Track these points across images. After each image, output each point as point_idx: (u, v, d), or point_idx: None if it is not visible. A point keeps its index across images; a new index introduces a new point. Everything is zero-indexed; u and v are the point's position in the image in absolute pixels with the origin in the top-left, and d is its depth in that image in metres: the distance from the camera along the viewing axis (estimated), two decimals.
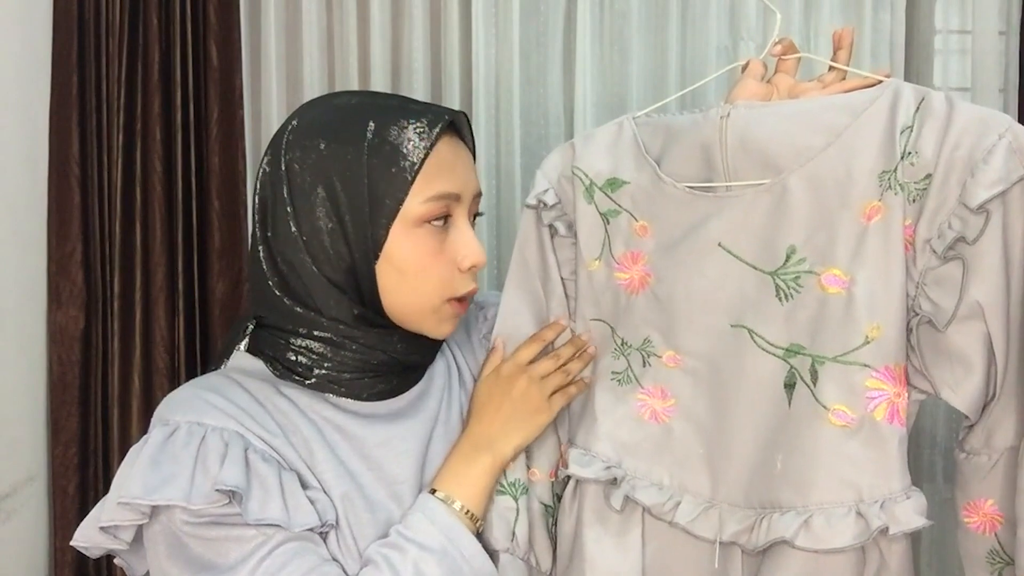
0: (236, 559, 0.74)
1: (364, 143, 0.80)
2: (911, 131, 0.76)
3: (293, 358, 0.84)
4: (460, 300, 0.86)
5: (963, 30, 1.59)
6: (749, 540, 0.80)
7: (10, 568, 1.45)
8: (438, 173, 0.82)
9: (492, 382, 0.92)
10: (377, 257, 0.82)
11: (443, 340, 0.93)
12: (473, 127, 1.57)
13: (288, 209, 0.82)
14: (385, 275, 0.82)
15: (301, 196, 0.81)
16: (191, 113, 1.51)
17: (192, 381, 0.86)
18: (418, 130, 0.81)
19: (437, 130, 0.82)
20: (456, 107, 1.56)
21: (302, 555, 0.76)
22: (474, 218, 0.89)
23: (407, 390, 0.89)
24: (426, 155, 0.81)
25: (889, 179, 0.77)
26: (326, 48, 1.59)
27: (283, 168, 0.82)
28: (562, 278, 0.95)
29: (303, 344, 0.84)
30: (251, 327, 0.88)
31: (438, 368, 0.94)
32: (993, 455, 0.77)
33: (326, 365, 0.84)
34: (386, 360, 0.85)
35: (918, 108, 0.77)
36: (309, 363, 0.84)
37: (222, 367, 0.89)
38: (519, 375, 0.91)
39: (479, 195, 0.89)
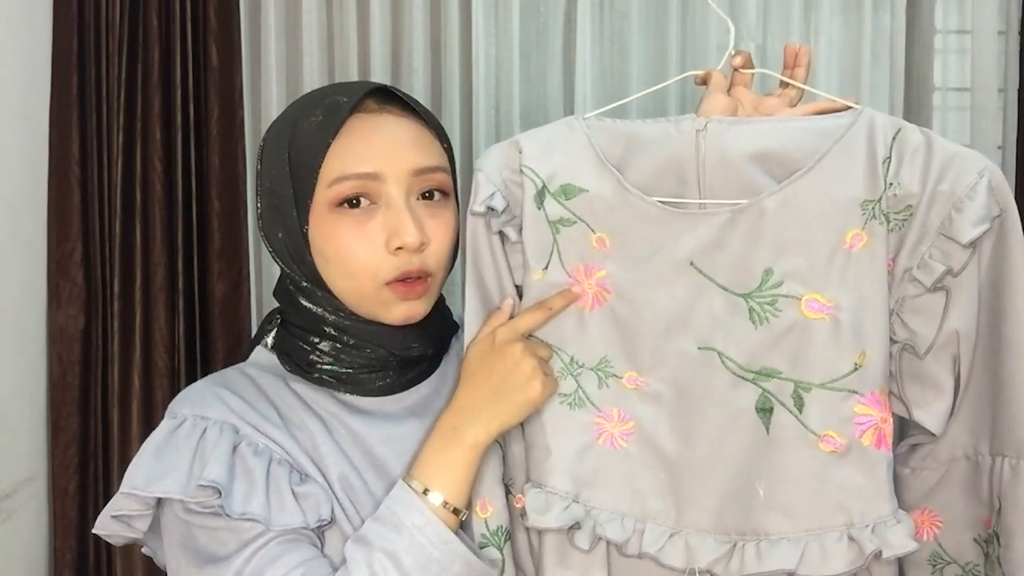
0: (232, 548, 0.76)
1: (287, 142, 0.83)
2: (890, 161, 0.77)
3: (302, 354, 0.86)
4: (405, 283, 0.82)
5: (963, 30, 1.59)
6: (728, 568, 0.79)
7: (10, 568, 1.45)
8: (344, 154, 0.81)
9: (485, 347, 0.83)
10: (308, 248, 0.83)
11: (452, 332, 0.94)
12: (473, 127, 1.60)
13: (258, 215, 0.88)
14: (319, 265, 0.83)
15: (261, 202, 0.87)
16: (191, 113, 1.51)
17: (208, 376, 0.90)
18: (322, 115, 0.81)
19: (342, 113, 0.81)
20: (456, 107, 1.57)
21: (296, 548, 0.77)
22: (432, 196, 0.84)
23: (414, 385, 0.89)
24: (330, 141, 0.80)
25: (873, 208, 0.77)
26: (326, 48, 1.59)
27: (256, 179, 0.88)
28: (516, 286, 0.88)
29: (312, 341, 0.86)
30: (278, 321, 0.90)
31: (450, 368, 0.93)
32: (940, 468, 0.81)
33: (330, 362, 0.86)
34: (384, 355, 0.86)
35: (895, 138, 0.77)
36: (315, 360, 0.86)
37: (247, 360, 0.92)
38: (515, 343, 0.82)
39: (425, 171, 0.83)
